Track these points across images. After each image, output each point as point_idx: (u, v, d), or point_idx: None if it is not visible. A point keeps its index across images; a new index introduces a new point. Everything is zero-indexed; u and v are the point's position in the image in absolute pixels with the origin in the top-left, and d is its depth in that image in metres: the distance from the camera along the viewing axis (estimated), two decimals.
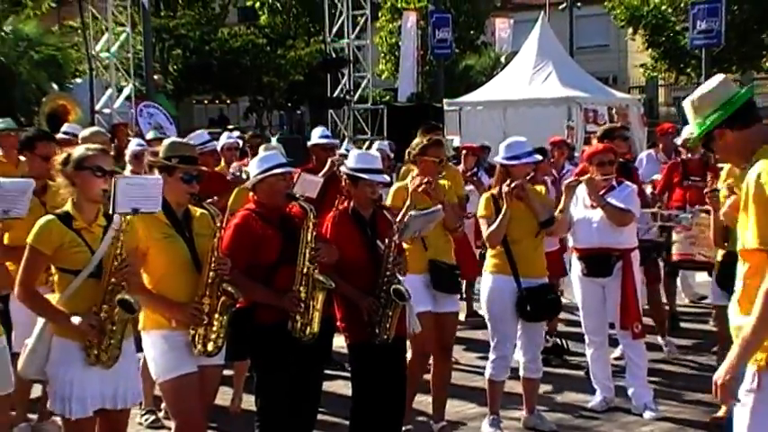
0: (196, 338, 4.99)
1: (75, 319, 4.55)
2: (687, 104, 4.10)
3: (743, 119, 3.92)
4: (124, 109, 20.07)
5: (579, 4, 39.49)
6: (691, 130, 4.20)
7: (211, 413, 5.65)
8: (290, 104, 39.01)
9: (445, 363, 6.76)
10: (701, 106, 4.02)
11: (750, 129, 3.91)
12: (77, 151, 4.84)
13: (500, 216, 6.48)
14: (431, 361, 6.84)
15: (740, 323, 3.69)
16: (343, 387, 7.21)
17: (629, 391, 7.16)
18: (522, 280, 6.51)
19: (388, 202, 6.58)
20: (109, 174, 4.76)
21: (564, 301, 10.28)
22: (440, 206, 6.29)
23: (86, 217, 4.70)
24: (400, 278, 5.78)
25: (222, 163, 9.10)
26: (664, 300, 10.13)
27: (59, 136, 9.52)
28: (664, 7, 33.09)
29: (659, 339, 8.76)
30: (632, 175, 8.49)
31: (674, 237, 8.57)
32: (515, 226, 6.51)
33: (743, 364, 3.61)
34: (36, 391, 6.61)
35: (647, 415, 7.00)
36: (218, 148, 9.30)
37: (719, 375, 3.64)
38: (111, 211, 4.67)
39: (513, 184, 6.46)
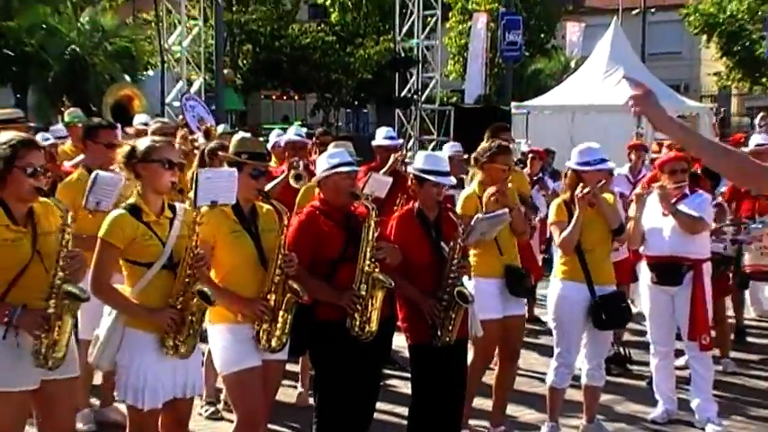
0: (260, 334, 5.03)
1: (159, 312, 4.60)
2: None
3: None
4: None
5: (653, 9, 39.02)
6: None
7: (274, 408, 5.67)
8: (357, 103, 39.21)
9: (511, 367, 6.70)
10: None
11: None
12: (143, 143, 4.87)
13: (572, 222, 6.41)
14: (493, 364, 6.80)
15: None
16: (402, 386, 7.20)
17: (693, 404, 7.04)
18: (595, 287, 6.43)
19: (458, 209, 6.53)
20: (177, 166, 4.82)
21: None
22: (506, 210, 6.25)
23: (154, 209, 4.74)
24: (464, 281, 5.77)
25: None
26: (730, 313, 9.98)
27: (138, 127, 9.72)
28: (740, 15, 32.52)
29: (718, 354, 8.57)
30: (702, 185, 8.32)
31: (745, 248, 8.42)
32: (588, 233, 6.43)
33: None
34: (98, 377, 6.70)
35: (710, 429, 6.87)
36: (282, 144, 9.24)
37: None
38: (192, 205, 4.73)
39: (585, 190, 6.39)
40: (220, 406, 6.97)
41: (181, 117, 16.05)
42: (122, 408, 5.17)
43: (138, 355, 4.64)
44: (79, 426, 6.62)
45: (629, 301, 10.09)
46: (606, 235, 6.49)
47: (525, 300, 6.76)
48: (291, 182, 7.74)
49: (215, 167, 5.50)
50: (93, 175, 5.87)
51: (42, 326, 4.25)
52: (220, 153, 5.51)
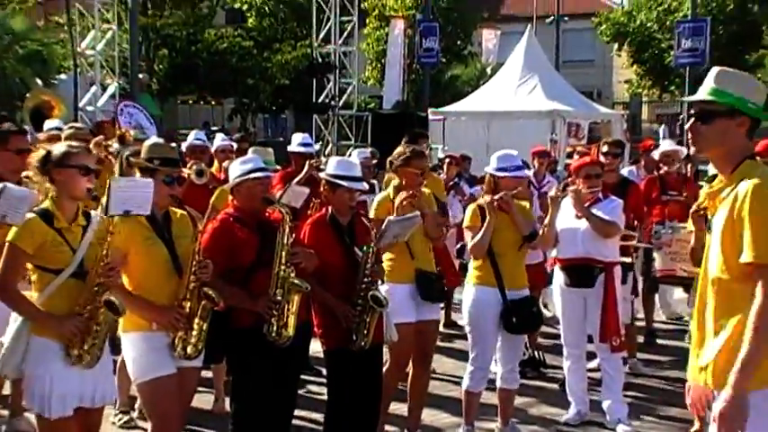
0: (176, 341, 4.98)
1: (63, 320, 4.53)
2: (719, 72, 3.70)
3: (756, 126, 3.69)
4: (108, 107, 19.94)
5: (566, 18, 39.71)
6: (704, 94, 3.64)
7: (190, 415, 5.61)
8: (275, 108, 39.06)
9: (424, 371, 6.73)
10: (733, 82, 3.66)
11: (749, 140, 3.72)
12: (59, 148, 4.78)
13: (484, 227, 6.48)
14: (408, 369, 6.83)
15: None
16: (320, 392, 7.19)
17: (604, 405, 7.17)
18: (507, 292, 6.50)
19: (371, 213, 6.55)
20: (93, 173, 4.75)
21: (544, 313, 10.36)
22: (417, 213, 6.29)
23: (67, 216, 4.66)
24: (378, 285, 5.80)
25: (216, 164, 9.08)
26: (640, 316, 10.22)
27: (51, 132, 9.54)
28: (650, 24, 33.32)
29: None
30: (629, 190, 8.25)
31: (655, 253, 8.61)
32: (500, 238, 6.49)
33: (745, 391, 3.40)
34: (7, 387, 6.55)
35: (621, 430, 7.00)
36: (213, 150, 9.32)
37: (720, 407, 3.42)
38: (104, 213, 4.65)
39: (497, 196, 6.46)
40: (134, 414, 6.88)
41: (104, 119, 15.80)
42: (32, 418, 5.07)
43: (43, 362, 4.56)
44: None
45: (543, 306, 10.30)
46: (517, 240, 6.55)
47: (439, 304, 6.78)
48: (193, 178, 7.69)
49: (131, 175, 5.42)
50: (0, 186, 5.71)
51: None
52: (131, 159, 5.43)
